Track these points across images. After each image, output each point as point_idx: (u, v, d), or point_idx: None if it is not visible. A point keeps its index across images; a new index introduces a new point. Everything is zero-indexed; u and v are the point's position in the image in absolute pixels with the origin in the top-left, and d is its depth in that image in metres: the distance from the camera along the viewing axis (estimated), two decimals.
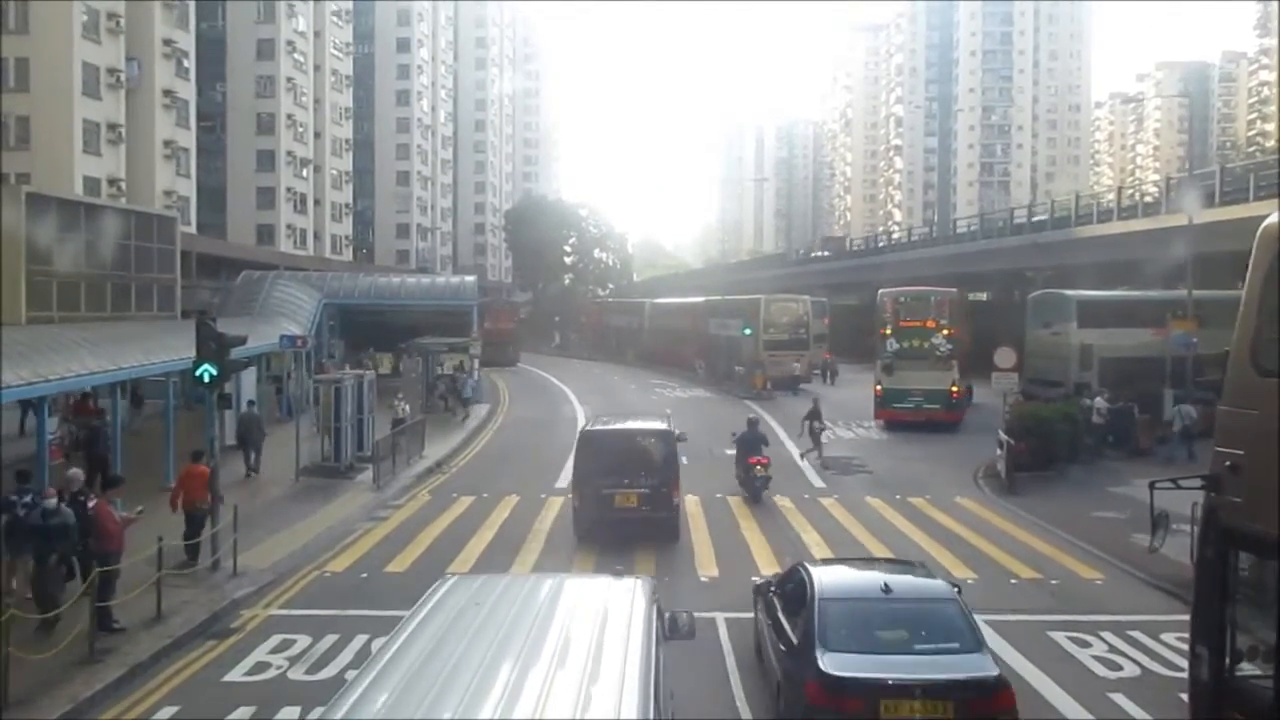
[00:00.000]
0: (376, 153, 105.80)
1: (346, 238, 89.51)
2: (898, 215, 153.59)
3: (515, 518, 21.01)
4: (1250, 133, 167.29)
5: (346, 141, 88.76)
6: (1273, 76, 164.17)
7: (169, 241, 41.66)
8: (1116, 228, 43.31)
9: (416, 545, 18.58)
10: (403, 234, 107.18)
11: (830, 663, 9.20)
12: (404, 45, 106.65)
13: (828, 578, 10.56)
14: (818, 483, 25.24)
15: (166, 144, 55.41)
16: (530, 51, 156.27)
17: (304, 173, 78.35)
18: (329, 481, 23.93)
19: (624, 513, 18.15)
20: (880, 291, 36.71)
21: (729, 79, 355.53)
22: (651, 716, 5.31)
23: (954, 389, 33.63)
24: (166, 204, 52.92)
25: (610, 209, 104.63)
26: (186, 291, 43.08)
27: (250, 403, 26.05)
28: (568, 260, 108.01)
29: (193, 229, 56.54)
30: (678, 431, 19.58)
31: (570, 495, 18.97)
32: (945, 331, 34.04)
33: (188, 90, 57.91)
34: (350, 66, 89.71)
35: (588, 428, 20.56)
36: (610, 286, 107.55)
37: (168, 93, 55.25)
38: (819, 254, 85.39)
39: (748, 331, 47.86)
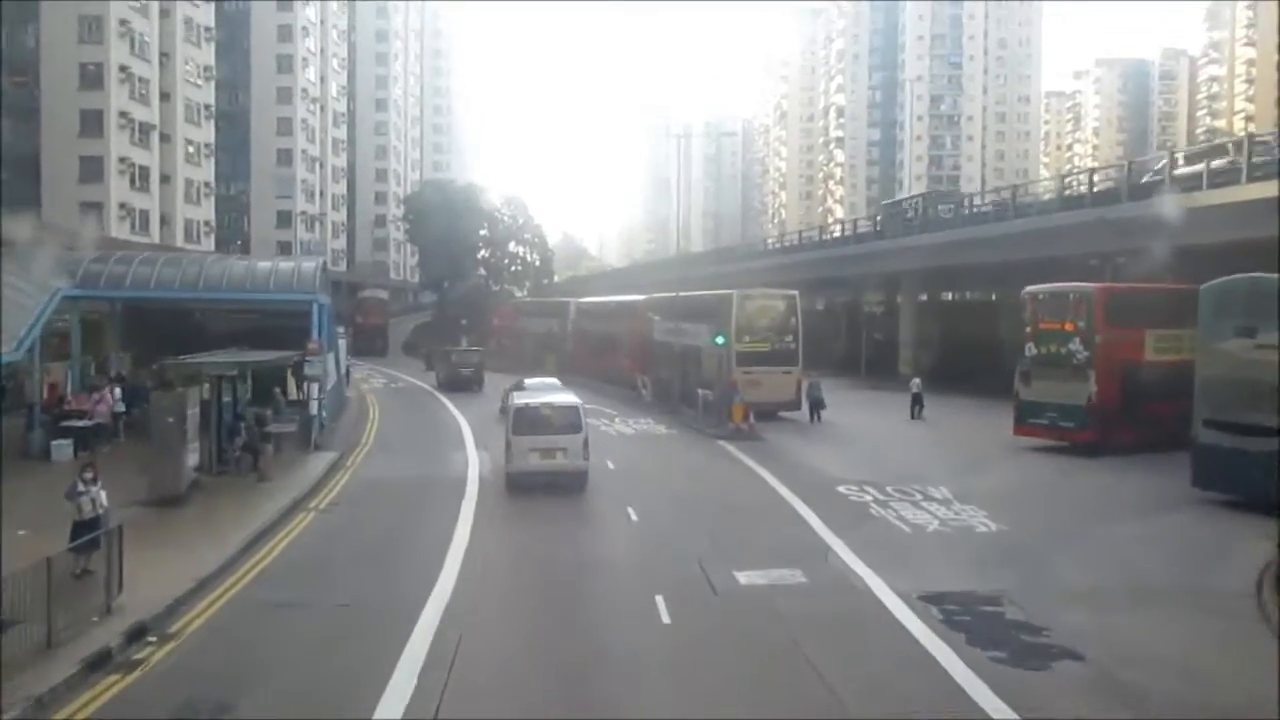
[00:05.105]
0: (253, 126, 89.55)
1: (207, 223, 73.64)
2: (839, 211, 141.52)
3: None
4: (1198, 130, 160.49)
5: (207, 108, 72.92)
6: (1223, 71, 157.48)
7: None
8: (1242, 193, 30.74)
9: None
10: (284, 222, 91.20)
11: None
12: (285, 4, 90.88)
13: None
14: (998, 709, 10.42)
15: None
16: (440, 28, 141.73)
17: (145, 141, 62.55)
18: None
19: (462, 371, 48.44)
20: (1025, 289, 31.22)
21: (653, 74, 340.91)
22: (581, 402, 24.79)
23: (1088, 403, 27.95)
24: None
25: (528, 203, 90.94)
26: None
27: None
28: (480, 255, 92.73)
29: None
30: None
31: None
32: (1082, 337, 27.98)
33: None
34: (211, 17, 73.90)
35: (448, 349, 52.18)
36: (529, 285, 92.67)
37: None
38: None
39: (720, 340, 33.91)
